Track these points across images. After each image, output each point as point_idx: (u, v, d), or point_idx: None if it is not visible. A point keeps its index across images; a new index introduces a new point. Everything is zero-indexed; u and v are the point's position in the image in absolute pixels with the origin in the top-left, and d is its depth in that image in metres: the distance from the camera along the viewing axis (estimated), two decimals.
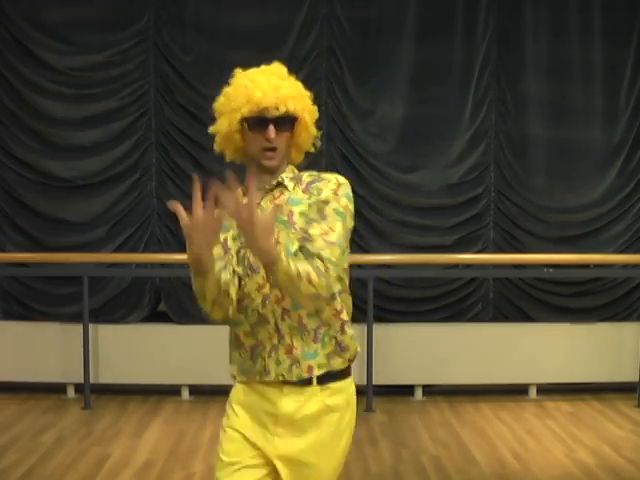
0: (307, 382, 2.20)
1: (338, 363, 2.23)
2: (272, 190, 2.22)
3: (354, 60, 6.09)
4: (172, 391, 5.86)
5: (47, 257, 5.94)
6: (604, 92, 6.27)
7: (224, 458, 2.23)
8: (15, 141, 6.05)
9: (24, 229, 6.10)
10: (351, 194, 2.21)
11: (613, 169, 6.34)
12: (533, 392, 5.98)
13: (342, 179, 2.22)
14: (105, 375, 5.79)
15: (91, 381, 5.61)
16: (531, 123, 6.26)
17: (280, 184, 2.23)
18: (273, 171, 2.23)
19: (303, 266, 2.03)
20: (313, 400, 2.21)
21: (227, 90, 2.24)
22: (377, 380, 5.60)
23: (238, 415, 2.25)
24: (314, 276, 2.03)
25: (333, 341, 2.23)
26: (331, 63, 6.10)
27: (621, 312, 6.37)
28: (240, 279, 2.21)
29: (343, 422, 2.27)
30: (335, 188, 2.18)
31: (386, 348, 5.72)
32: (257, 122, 2.17)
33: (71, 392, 5.88)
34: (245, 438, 2.22)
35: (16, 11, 5.95)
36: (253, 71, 2.23)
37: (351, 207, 2.21)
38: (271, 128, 2.15)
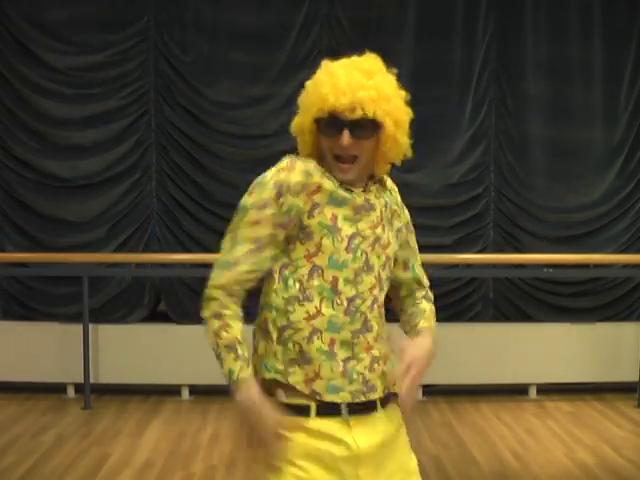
0: (372, 407, 1.94)
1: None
2: (369, 186, 1.97)
3: None
4: (172, 391, 5.86)
5: (47, 257, 5.93)
6: (604, 92, 6.27)
7: None
8: (15, 141, 6.04)
9: (24, 229, 6.10)
10: None
11: (613, 169, 6.34)
12: (533, 392, 5.97)
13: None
14: (105, 375, 5.79)
15: (91, 381, 5.61)
16: (531, 123, 6.27)
17: (379, 181, 2.00)
18: (349, 183, 1.91)
19: (434, 320, 2.15)
20: (380, 423, 1.97)
21: (308, 83, 1.95)
22: None
23: (313, 476, 1.87)
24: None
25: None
26: None
27: (621, 312, 6.37)
28: (356, 274, 1.90)
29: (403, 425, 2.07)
30: (403, 207, 2.08)
31: None
32: (330, 124, 1.86)
33: (71, 392, 5.87)
34: None
35: (16, 11, 5.95)
36: (338, 63, 1.96)
37: None
38: (345, 133, 1.85)
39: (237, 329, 1.88)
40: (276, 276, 1.90)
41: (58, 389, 5.86)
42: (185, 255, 6.04)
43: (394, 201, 2.03)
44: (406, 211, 2.07)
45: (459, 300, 6.26)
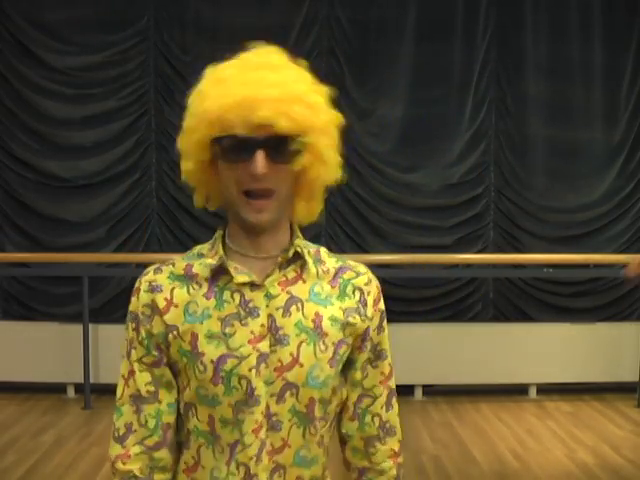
0: None
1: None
2: (281, 265, 1.39)
3: (354, 60, 6.09)
4: None
5: (47, 257, 5.93)
6: (604, 92, 6.27)
7: None
8: (15, 141, 6.05)
9: (24, 229, 6.10)
10: None
11: (613, 169, 6.34)
12: (533, 392, 5.97)
13: (372, 275, 1.47)
14: (105, 375, 5.78)
15: (91, 381, 5.60)
16: (531, 123, 6.27)
17: (298, 257, 1.40)
18: (268, 232, 1.37)
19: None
20: None
21: (199, 88, 1.36)
22: None
23: None
24: None
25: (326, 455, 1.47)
26: (331, 63, 6.09)
27: (621, 312, 6.38)
28: (236, 412, 1.36)
29: None
30: (377, 297, 1.46)
31: None
32: (235, 147, 1.30)
33: (71, 392, 5.87)
34: None
35: (16, 11, 5.95)
36: (233, 63, 1.36)
37: None
38: (259, 157, 1.28)
39: None
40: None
41: (58, 389, 5.85)
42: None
43: (337, 301, 1.41)
44: (375, 327, 1.47)
45: (459, 300, 6.25)
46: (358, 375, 1.47)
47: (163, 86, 6.13)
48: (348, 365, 1.45)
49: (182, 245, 6.11)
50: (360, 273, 1.45)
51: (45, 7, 5.98)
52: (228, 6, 6.03)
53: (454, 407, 5.70)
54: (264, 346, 1.36)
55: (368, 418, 1.49)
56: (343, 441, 1.51)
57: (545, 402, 5.84)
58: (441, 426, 5.27)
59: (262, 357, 1.35)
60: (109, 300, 6.09)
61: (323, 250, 1.46)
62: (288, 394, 1.37)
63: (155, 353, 1.40)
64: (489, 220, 6.36)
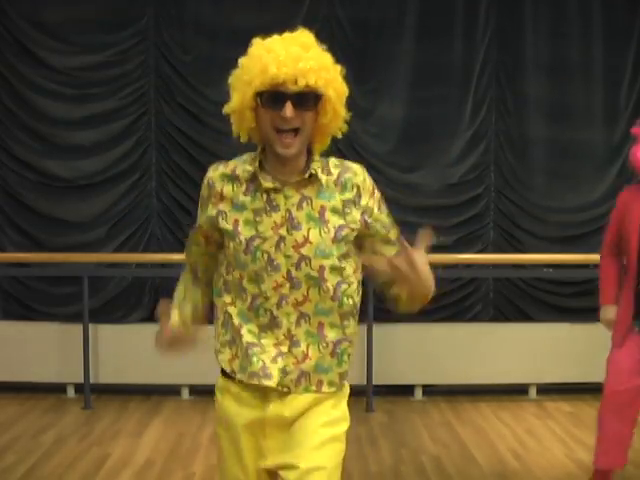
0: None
1: (343, 385, 2.11)
2: (299, 181, 2.00)
3: (354, 60, 6.08)
4: (172, 391, 5.86)
5: (47, 257, 5.94)
6: (604, 92, 6.27)
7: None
8: (15, 141, 6.04)
9: (24, 229, 6.10)
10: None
11: (613, 169, 6.34)
12: (533, 392, 5.98)
13: (365, 172, 2.08)
14: (105, 375, 5.79)
15: (91, 381, 5.61)
16: (531, 123, 6.27)
17: (312, 176, 1.99)
18: (291, 160, 1.97)
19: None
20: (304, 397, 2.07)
21: (242, 61, 1.99)
22: (377, 380, 5.60)
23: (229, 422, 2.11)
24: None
25: (349, 360, 2.09)
26: None
27: None
28: (257, 274, 2.00)
29: (337, 408, 2.09)
30: (371, 190, 2.06)
31: (386, 348, 5.72)
32: (272, 97, 1.89)
33: (71, 392, 5.88)
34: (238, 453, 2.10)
35: (16, 11, 5.95)
36: (272, 39, 1.96)
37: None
38: (288, 105, 1.87)
39: (179, 290, 2.30)
40: (216, 270, 2.13)
41: (58, 389, 5.86)
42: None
43: (338, 196, 2.01)
44: (369, 206, 2.05)
45: (459, 300, 6.25)
46: (381, 248, 2.11)
47: (163, 86, 6.13)
48: (369, 241, 2.08)
49: (182, 245, 6.08)
50: (357, 173, 2.05)
51: (45, 7, 5.98)
52: (228, 6, 6.03)
53: (454, 407, 5.70)
54: (283, 231, 1.99)
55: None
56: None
57: (545, 402, 5.84)
58: (441, 426, 5.27)
59: (281, 239, 1.98)
60: (109, 300, 6.08)
61: (332, 161, 2.05)
62: (303, 264, 1.99)
63: (207, 225, 2.08)
64: (489, 220, 6.36)
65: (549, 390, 6.01)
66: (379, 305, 5.85)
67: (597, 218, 6.33)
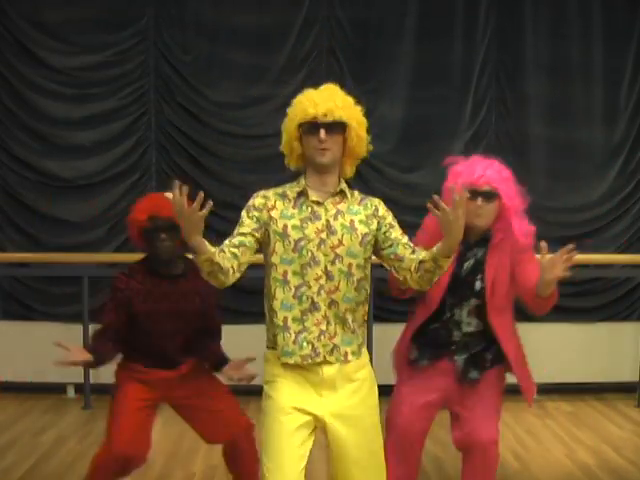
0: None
1: (363, 352, 2.79)
2: (334, 195, 2.70)
3: (354, 60, 6.09)
4: None
5: (47, 257, 5.93)
6: (604, 92, 6.27)
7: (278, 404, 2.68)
8: (15, 141, 6.04)
9: (24, 229, 6.10)
10: None
11: (613, 169, 6.34)
12: None
13: (382, 203, 2.83)
14: (105, 375, 5.74)
15: (91, 381, 5.61)
16: (531, 123, 6.27)
17: (342, 191, 2.72)
18: (327, 170, 2.68)
19: None
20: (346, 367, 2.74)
21: (288, 110, 2.71)
22: (377, 380, 5.57)
23: (283, 383, 2.68)
24: None
25: (362, 335, 2.77)
26: (331, 63, 6.09)
27: (621, 312, 6.37)
28: (302, 268, 2.63)
29: (372, 377, 2.93)
30: (386, 209, 2.80)
31: (386, 348, 5.67)
32: (310, 127, 2.62)
33: (71, 392, 5.88)
34: (294, 397, 2.66)
35: (16, 11, 5.95)
36: (309, 91, 2.69)
37: None
38: (322, 130, 2.59)
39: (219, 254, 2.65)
40: (266, 277, 2.73)
41: (58, 389, 5.86)
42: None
43: (363, 212, 2.74)
44: (384, 216, 2.79)
45: None
46: (395, 249, 2.73)
47: (163, 86, 6.13)
48: (388, 246, 2.73)
49: (182, 245, 6.11)
50: (374, 200, 2.82)
51: (45, 7, 5.98)
52: (228, 6, 6.03)
53: None
54: (324, 235, 2.66)
55: (408, 252, 2.71)
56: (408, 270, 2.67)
57: (545, 402, 5.84)
58: (441, 426, 5.26)
59: (322, 241, 2.65)
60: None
61: (356, 192, 2.81)
62: (337, 261, 2.66)
63: (255, 225, 2.69)
64: None
65: (549, 390, 6.01)
66: (379, 305, 5.86)
67: (597, 218, 6.35)
